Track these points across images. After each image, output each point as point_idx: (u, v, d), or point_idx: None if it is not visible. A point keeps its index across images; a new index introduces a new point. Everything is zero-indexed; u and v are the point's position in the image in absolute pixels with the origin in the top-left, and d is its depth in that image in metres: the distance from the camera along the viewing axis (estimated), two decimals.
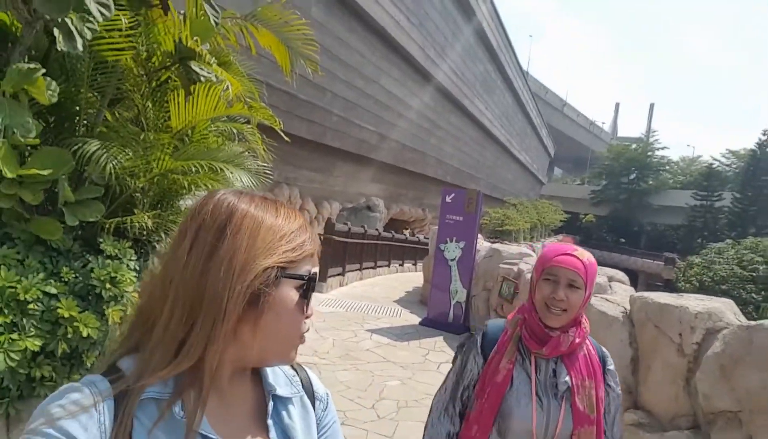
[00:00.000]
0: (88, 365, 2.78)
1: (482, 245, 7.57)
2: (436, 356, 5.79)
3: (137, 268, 3.12)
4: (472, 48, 25.86)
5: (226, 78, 3.15)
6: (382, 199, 19.71)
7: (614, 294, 3.48)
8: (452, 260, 7.00)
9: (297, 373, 0.86)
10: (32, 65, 2.21)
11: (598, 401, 1.36)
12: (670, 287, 23.37)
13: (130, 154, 2.87)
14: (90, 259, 2.82)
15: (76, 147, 2.61)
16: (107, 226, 2.91)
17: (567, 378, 1.35)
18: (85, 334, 2.58)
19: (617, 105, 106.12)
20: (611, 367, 1.44)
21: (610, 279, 3.82)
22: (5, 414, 2.58)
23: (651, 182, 49.67)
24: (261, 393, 0.78)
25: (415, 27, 18.87)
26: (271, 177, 3.30)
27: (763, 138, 37.78)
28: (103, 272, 2.76)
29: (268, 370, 0.80)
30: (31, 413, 1.72)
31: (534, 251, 8.18)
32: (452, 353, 6.41)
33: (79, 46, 2.24)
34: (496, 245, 7.10)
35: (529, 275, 4.99)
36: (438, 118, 23.85)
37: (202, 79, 3.14)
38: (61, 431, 0.59)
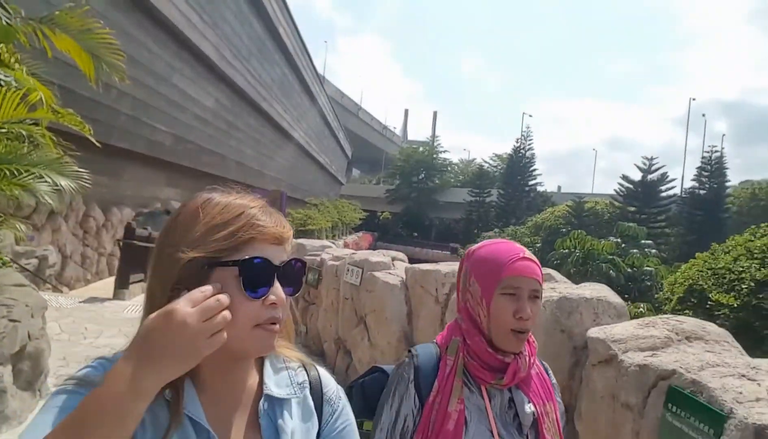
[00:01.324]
0: None
1: (304, 242, 8.19)
2: None
3: None
4: (269, 51, 26.23)
5: (33, 84, 3.18)
6: (180, 203, 18.92)
7: (396, 269, 4.44)
8: None
9: (308, 374, 0.85)
10: None
11: (558, 427, 1.19)
12: None
13: None
14: None
15: None
16: None
17: (530, 407, 1.15)
18: None
19: (406, 111, 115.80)
20: (554, 380, 1.26)
21: (393, 259, 4.81)
22: None
23: (437, 181, 55.75)
24: (261, 392, 0.80)
25: (209, 26, 18.52)
26: (88, 181, 3.40)
27: (516, 145, 46.22)
28: None
29: (270, 369, 0.81)
30: None
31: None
32: None
33: None
34: (301, 240, 7.79)
35: (332, 263, 5.75)
36: (236, 120, 23.66)
37: (1, 83, 3.12)
38: (70, 403, 0.65)
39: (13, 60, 3.42)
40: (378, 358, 4.09)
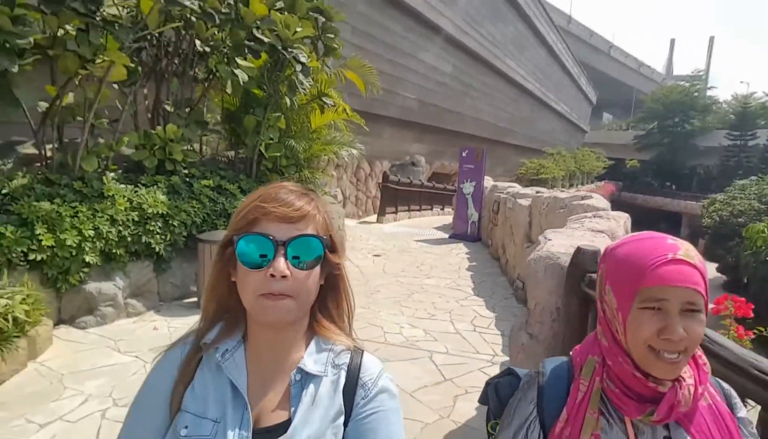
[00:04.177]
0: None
1: (488, 183, 11.04)
2: (457, 250, 9.48)
3: None
4: (501, 12, 28.14)
5: (341, 104, 6.78)
6: (424, 156, 23.05)
7: (526, 197, 6.96)
8: (468, 194, 10.55)
9: (351, 359, 0.92)
10: (278, 114, 5.90)
11: None
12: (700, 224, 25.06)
13: (303, 143, 6.56)
14: None
15: (287, 143, 6.31)
16: (297, 175, 6.66)
17: None
18: None
19: (672, 41, 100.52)
20: (742, 413, 0.93)
21: (537, 191, 7.24)
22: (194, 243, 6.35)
23: (697, 123, 49.13)
24: None
25: (445, 4, 21.64)
26: (363, 151, 6.92)
27: None
28: None
29: (314, 347, 0.92)
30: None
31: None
32: (466, 249, 10.01)
33: (296, 105, 5.90)
34: (496, 182, 10.55)
35: (504, 196, 8.42)
36: (472, 81, 26.57)
37: (329, 104, 6.76)
38: (167, 354, 0.92)
39: (330, 90, 7.06)
40: (514, 249, 6.76)
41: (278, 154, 6.19)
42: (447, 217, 16.74)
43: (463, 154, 10.88)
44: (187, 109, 5.93)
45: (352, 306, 0.98)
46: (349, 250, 8.43)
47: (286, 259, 0.82)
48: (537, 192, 7.19)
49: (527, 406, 0.94)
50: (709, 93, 53.91)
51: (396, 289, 6.53)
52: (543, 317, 2.71)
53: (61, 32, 4.14)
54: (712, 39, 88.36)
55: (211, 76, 6.33)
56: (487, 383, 1.08)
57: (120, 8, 4.30)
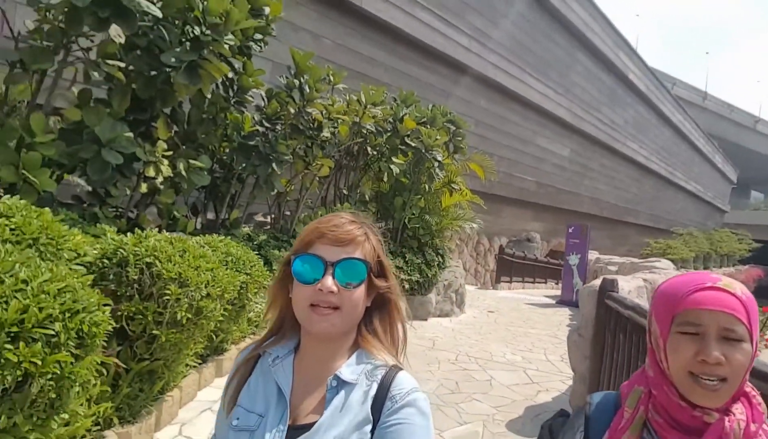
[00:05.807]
0: None
1: (593, 256, 12.34)
2: (561, 312, 10.88)
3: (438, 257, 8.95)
4: (619, 97, 29.21)
5: (465, 189, 8.97)
6: (541, 234, 24.20)
7: (614, 264, 8.31)
8: (573, 265, 11.96)
9: (387, 373, 0.98)
10: (418, 196, 8.22)
11: None
12: None
13: (436, 218, 8.77)
14: (425, 255, 8.73)
15: (424, 218, 8.57)
16: (430, 242, 8.85)
17: None
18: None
19: None
20: None
21: (631, 261, 8.55)
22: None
23: None
24: None
25: (561, 94, 23.53)
26: (482, 225, 8.94)
27: None
28: (431, 260, 8.66)
29: (354, 359, 1.01)
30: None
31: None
32: (570, 312, 11.28)
33: (432, 189, 8.18)
34: (600, 256, 11.84)
35: (603, 269, 9.82)
36: (590, 162, 27.56)
37: (456, 189, 8.97)
38: (236, 359, 1.10)
39: (457, 178, 9.26)
40: None
41: (417, 225, 8.45)
42: (560, 290, 17.77)
43: (570, 230, 12.45)
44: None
45: (404, 329, 1.09)
46: (467, 307, 10.26)
47: (333, 277, 0.95)
48: (626, 260, 8.55)
49: (574, 434, 1.02)
50: None
51: (504, 333, 8.22)
52: (587, 324, 4.43)
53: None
54: None
55: (367, 167, 8.86)
56: (542, 426, 1.14)
57: (330, 133, 6.97)
